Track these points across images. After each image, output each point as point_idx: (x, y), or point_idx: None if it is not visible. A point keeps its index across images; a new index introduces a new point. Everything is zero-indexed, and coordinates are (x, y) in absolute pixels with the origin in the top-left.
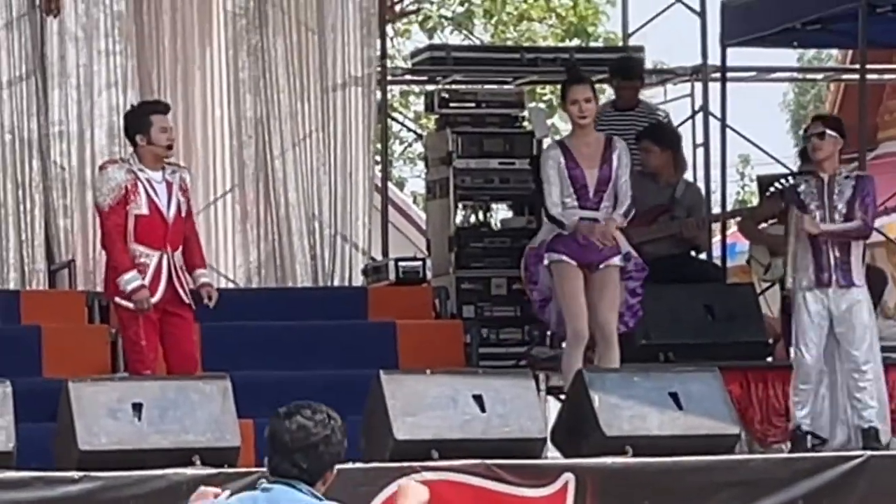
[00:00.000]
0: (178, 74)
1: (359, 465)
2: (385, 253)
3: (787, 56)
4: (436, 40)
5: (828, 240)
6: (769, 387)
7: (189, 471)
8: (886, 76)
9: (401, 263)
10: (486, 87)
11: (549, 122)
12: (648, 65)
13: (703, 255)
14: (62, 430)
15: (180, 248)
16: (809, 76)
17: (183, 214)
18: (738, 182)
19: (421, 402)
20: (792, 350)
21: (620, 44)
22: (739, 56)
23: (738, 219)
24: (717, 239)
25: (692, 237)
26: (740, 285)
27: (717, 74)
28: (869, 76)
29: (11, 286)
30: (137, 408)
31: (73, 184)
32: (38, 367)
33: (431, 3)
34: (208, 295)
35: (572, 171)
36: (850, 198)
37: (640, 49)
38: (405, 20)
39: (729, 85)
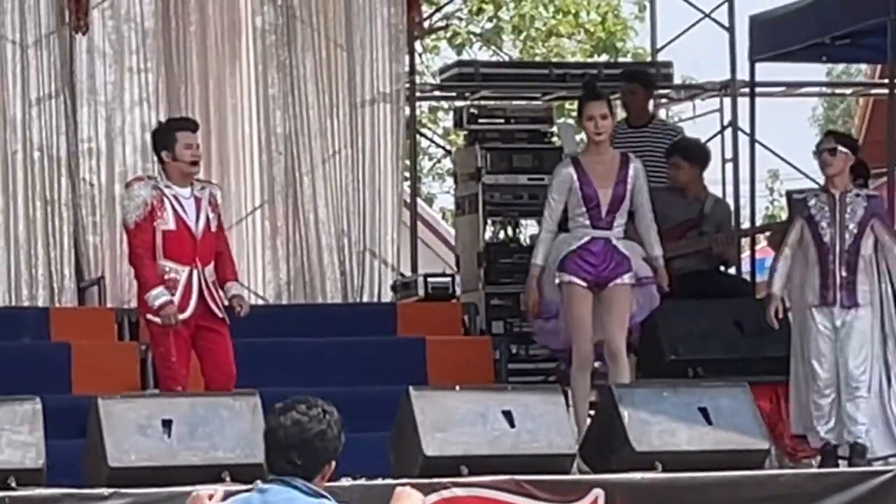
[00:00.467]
0: (208, 91)
1: (388, 480)
2: (414, 269)
3: (815, 71)
4: (464, 56)
5: (836, 258)
6: None
7: (219, 487)
8: None
9: (430, 279)
10: (515, 102)
11: (577, 137)
12: (677, 80)
13: (731, 270)
14: (92, 447)
15: (212, 263)
16: (838, 91)
17: (213, 229)
18: (768, 197)
19: (450, 418)
20: (794, 366)
21: (649, 59)
22: (768, 71)
23: (768, 233)
24: (746, 254)
25: (721, 252)
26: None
27: (746, 89)
28: None
29: (41, 303)
30: (167, 424)
31: (102, 201)
32: (68, 384)
33: (460, 20)
34: (239, 305)
35: (585, 189)
36: (863, 218)
37: (669, 64)
38: (433, 36)
39: (758, 100)
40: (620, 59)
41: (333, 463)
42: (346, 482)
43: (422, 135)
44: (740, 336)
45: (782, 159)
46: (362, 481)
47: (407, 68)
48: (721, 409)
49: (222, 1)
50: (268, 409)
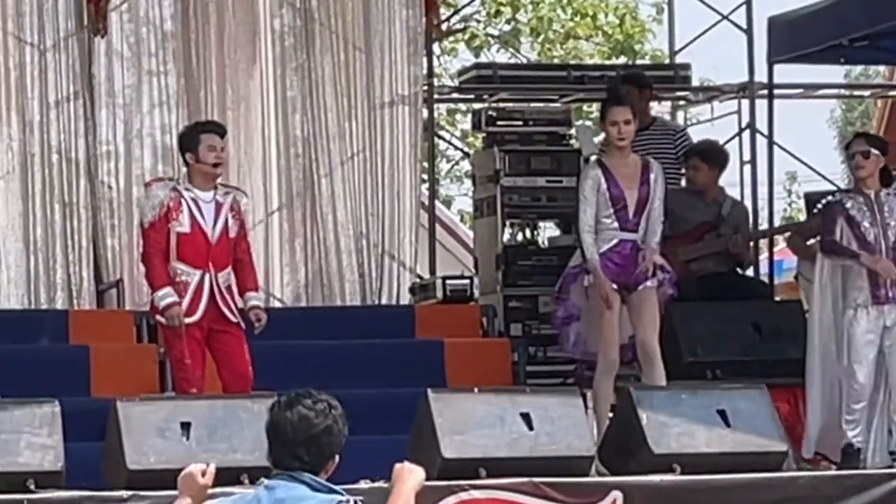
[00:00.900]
0: (226, 94)
1: None
2: (432, 271)
3: (833, 72)
4: (482, 59)
5: (883, 256)
6: None
7: (237, 489)
8: None
9: (448, 282)
10: (533, 105)
11: (595, 139)
12: (695, 82)
13: (749, 272)
14: (110, 450)
15: (228, 269)
16: (856, 93)
17: (231, 235)
18: (786, 199)
19: (469, 421)
20: (823, 370)
21: (667, 61)
22: (786, 73)
23: (787, 235)
24: (764, 256)
25: (739, 253)
26: (788, 302)
27: (764, 91)
28: None
29: (59, 306)
30: (186, 427)
31: (121, 203)
32: (87, 387)
33: (478, 22)
34: (256, 318)
35: (613, 191)
36: None
37: (687, 66)
38: (451, 39)
39: (776, 101)
40: (638, 62)
41: (337, 458)
42: (364, 485)
43: (440, 137)
44: (758, 338)
45: (800, 161)
46: (380, 484)
47: (425, 71)
48: (739, 412)
49: (241, 4)
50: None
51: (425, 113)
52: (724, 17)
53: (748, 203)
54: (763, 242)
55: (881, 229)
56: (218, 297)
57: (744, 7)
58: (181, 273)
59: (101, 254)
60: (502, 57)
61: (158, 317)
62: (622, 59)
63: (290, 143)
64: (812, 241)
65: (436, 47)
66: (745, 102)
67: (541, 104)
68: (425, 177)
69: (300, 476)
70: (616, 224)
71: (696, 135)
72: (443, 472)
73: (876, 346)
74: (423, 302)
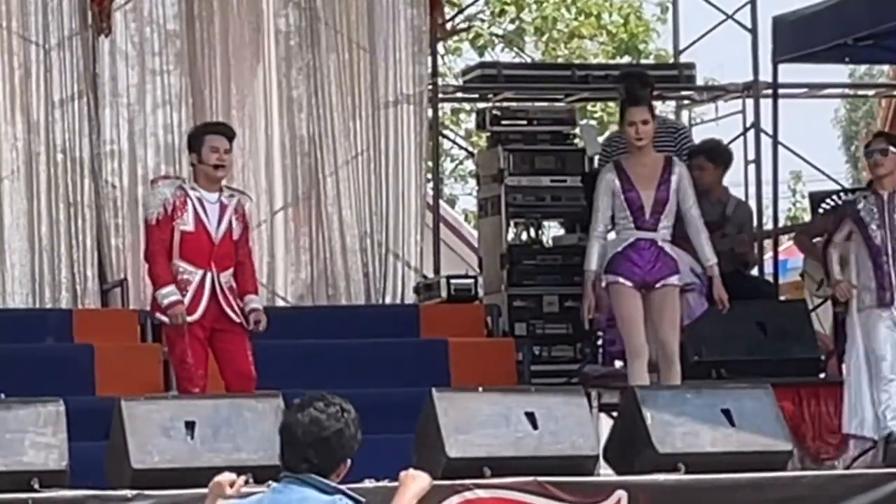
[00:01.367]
0: (230, 93)
1: None
2: (437, 270)
3: (838, 72)
4: (486, 58)
5: (889, 259)
6: (822, 403)
7: (242, 489)
8: None
9: (453, 281)
10: (537, 104)
11: (599, 138)
12: (700, 81)
13: (753, 272)
14: (115, 449)
15: (230, 270)
16: (861, 92)
17: (234, 237)
18: (790, 198)
19: (473, 420)
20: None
21: (671, 61)
22: (791, 72)
23: (791, 235)
24: (768, 255)
25: (743, 253)
26: (792, 302)
27: (769, 91)
28: None
29: (64, 305)
30: (190, 426)
31: (125, 203)
32: (91, 386)
33: (482, 21)
34: (255, 321)
35: (628, 192)
36: None
37: (692, 66)
38: (456, 38)
39: (780, 101)
40: (642, 61)
41: (349, 461)
42: (368, 484)
43: (444, 136)
44: (763, 338)
45: (805, 161)
46: (385, 483)
47: (429, 70)
48: (744, 411)
49: (245, 3)
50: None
51: (430, 112)
52: (729, 17)
53: (752, 203)
54: (767, 242)
55: (888, 232)
56: (220, 297)
57: (748, 6)
58: (183, 271)
59: (105, 253)
60: (506, 56)
61: (159, 314)
62: (626, 59)
63: (294, 143)
64: (818, 239)
65: (440, 46)
66: (750, 102)
67: (545, 104)
68: (430, 176)
69: (307, 478)
70: (632, 224)
71: (701, 134)
72: (447, 471)
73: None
74: (428, 301)
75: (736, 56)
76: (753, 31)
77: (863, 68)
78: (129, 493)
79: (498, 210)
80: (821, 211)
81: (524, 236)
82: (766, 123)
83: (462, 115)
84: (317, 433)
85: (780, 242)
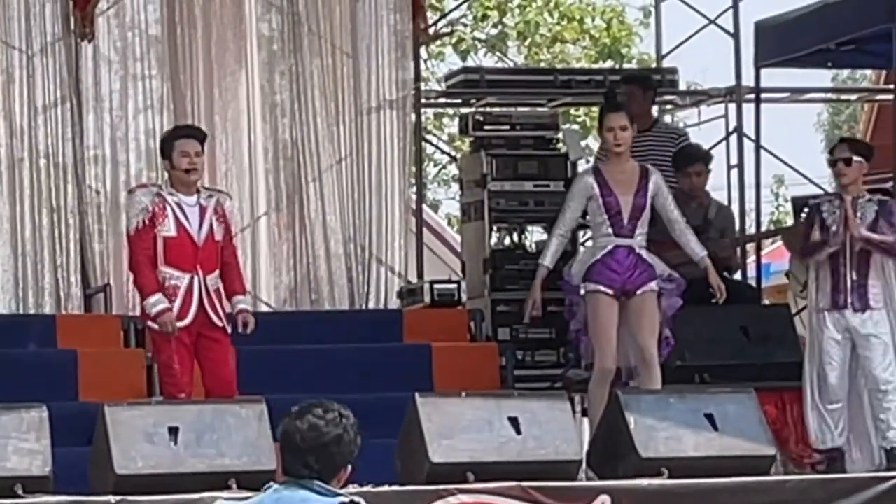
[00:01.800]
0: (213, 98)
1: (395, 487)
2: (420, 275)
3: (821, 76)
4: (469, 62)
5: (846, 262)
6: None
7: (225, 494)
8: None
9: (436, 286)
10: (520, 109)
11: (583, 143)
12: (682, 86)
13: (737, 276)
14: (98, 455)
15: (216, 272)
16: (843, 97)
17: (217, 238)
18: (773, 202)
19: (456, 425)
20: (810, 371)
21: (654, 65)
22: (773, 76)
23: (774, 238)
24: (752, 259)
25: (726, 257)
26: (775, 306)
27: (752, 95)
28: None
29: (47, 311)
30: (173, 431)
31: (108, 208)
32: (75, 392)
33: (465, 26)
34: (244, 322)
35: (606, 198)
36: (873, 222)
37: (674, 70)
38: (439, 42)
39: (763, 105)
40: (626, 65)
41: (350, 467)
42: (352, 488)
43: (427, 141)
44: (746, 342)
45: (788, 165)
46: (369, 488)
47: (412, 75)
48: (727, 416)
49: (227, 8)
50: (275, 416)
51: (413, 117)
52: (712, 22)
53: (735, 207)
54: (750, 246)
55: (848, 234)
56: (206, 301)
57: (731, 11)
58: (170, 277)
59: (88, 258)
60: (489, 61)
61: (150, 323)
62: (609, 63)
63: (277, 148)
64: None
65: (423, 51)
66: (733, 106)
67: (528, 108)
68: (413, 181)
69: (308, 484)
70: (611, 230)
71: None
72: (431, 476)
73: (847, 349)
74: (411, 306)
75: (719, 60)
76: (736, 35)
77: (845, 72)
78: (112, 498)
79: (481, 215)
80: (803, 215)
81: (507, 241)
82: (748, 128)
83: (445, 119)
84: (316, 439)
85: (763, 246)
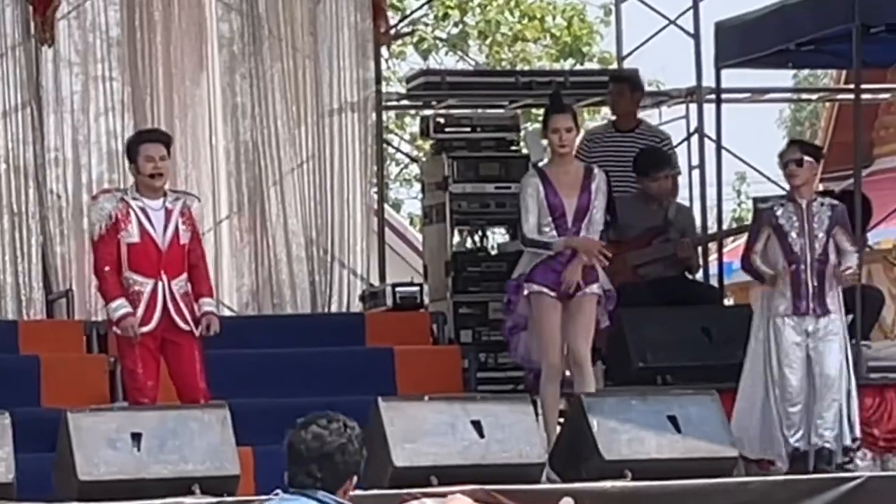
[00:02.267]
0: (174, 100)
1: (358, 492)
2: (382, 278)
3: (782, 75)
4: (430, 62)
5: (807, 268)
6: None
7: (188, 500)
8: (881, 96)
9: (398, 289)
10: (481, 111)
11: (543, 142)
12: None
13: (699, 275)
14: (62, 461)
15: (183, 276)
16: (804, 97)
17: (182, 242)
18: (735, 200)
19: (419, 429)
20: (770, 373)
21: (615, 65)
22: (734, 76)
23: (735, 237)
24: (713, 257)
25: (687, 257)
26: (738, 307)
27: (712, 96)
28: (863, 96)
29: (9, 316)
30: (136, 437)
31: (70, 212)
32: (37, 397)
33: (426, 25)
34: (208, 324)
35: (551, 199)
36: (829, 226)
37: (635, 71)
38: (400, 42)
39: (724, 104)
40: (587, 64)
41: (355, 477)
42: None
43: (388, 143)
44: (708, 343)
45: (749, 165)
46: None
47: (373, 75)
48: (690, 417)
49: (187, 10)
50: (238, 421)
51: (374, 118)
52: (672, 22)
53: (697, 206)
54: (712, 245)
55: (808, 240)
56: (171, 306)
57: (691, 12)
58: (134, 283)
59: (50, 263)
60: (450, 60)
61: (115, 328)
62: (570, 62)
63: (238, 151)
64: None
65: (384, 51)
66: (693, 107)
67: (489, 110)
68: (375, 181)
69: (312, 493)
70: (555, 232)
71: None
72: (394, 480)
73: (804, 350)
74: (374, 309)
75: (679, 61)
76: (696, 36)
77: (806, 71)
78: None
79: (443, 217)
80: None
81: (469, 243)
82: (709, 128)
83: (407, 119)
84: (320, 449)
85: (725, 245)
